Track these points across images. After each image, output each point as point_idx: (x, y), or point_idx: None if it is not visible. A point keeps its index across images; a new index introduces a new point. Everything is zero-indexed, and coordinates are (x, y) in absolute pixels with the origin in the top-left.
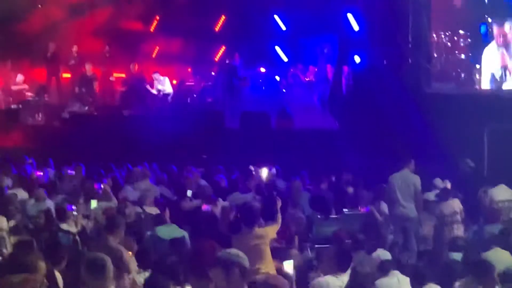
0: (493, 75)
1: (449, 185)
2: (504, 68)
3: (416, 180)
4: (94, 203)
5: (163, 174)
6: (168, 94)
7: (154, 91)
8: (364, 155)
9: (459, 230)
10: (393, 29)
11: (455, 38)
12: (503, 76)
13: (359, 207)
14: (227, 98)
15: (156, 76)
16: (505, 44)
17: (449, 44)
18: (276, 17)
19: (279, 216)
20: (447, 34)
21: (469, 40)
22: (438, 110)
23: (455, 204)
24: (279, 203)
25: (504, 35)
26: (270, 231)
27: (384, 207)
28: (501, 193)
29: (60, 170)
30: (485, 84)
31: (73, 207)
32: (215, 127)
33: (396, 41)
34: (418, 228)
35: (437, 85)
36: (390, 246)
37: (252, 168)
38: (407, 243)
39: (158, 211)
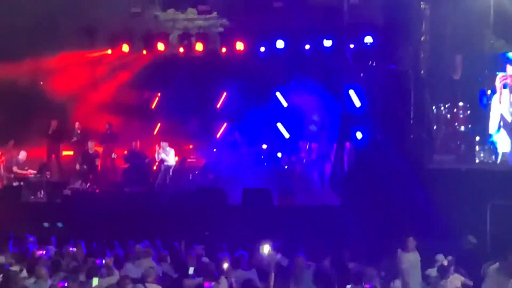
0: (502, 117)
1: (446, 262)
2: None
3: (417, 257)
4: (95, 281)
5: (165, 252)
6: (170, 166)
7: (156, 158)
8: (367, 231)
9: None
10: (395, 104)
11: (455, 110)
12: None
13: (363, 283)
14: (226, 174)
15: (163, 144)
16: None
17: (448, 116)
18: (278, 94)
19: (272, 278)
20: (447, 106)
21: (468, 112)
22: (441, 185)
23: (457, 281)
24: (272, 276)
25: None
26: None
27: (388, 283)
28: None
29: (61, 247)
30: (493, 129)
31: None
32: (217, 203)
33: (398, 117)
34: None
35: (437, 158)
36: None
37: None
38: None
39: None
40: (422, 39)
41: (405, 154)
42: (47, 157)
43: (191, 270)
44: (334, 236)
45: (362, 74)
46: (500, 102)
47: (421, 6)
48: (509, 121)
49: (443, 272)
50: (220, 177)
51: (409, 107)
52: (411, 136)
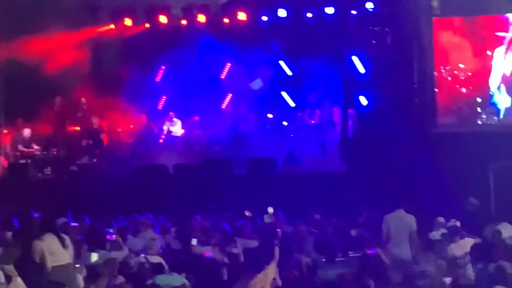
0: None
1: (458, 224)
2: None
3: (412, 220)
4: (94, 256)
5: (168, 224)
6: (176, 137)
7: (164, 130)
8: (371, 197)
9: (470, 270)
10: (398, 69)
11: (455, 72)
12: None
13: (365, 249)
14: (232, 145)
15: (171, 114)
16: None
17: (449, 78)
18: (281, 62)
19: (277, 250)
20: (447, 68)
21: (469, 73)
22: (444, 149)
23: (467, 244)
24: (277, 249)
25: None
26: (270, 271)
27: (387, 249)
28: (507, 230)
29: (65, 222)
30: (494, 85)
31: None
32: (223, 174)
33: (402, 82)
34: (413, 268)
35: (440, 121)
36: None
37: (247, 213)
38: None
39: (162, 261)
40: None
41: (409, 119)
42: (53, 134)
43: (194, 241)
44: (338, 203)
45: (364, 40)
46: (504, 59)
47: None
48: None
49: (453, 235)
50: (226, 148)
51: (412, 72)
52: (415, 100)
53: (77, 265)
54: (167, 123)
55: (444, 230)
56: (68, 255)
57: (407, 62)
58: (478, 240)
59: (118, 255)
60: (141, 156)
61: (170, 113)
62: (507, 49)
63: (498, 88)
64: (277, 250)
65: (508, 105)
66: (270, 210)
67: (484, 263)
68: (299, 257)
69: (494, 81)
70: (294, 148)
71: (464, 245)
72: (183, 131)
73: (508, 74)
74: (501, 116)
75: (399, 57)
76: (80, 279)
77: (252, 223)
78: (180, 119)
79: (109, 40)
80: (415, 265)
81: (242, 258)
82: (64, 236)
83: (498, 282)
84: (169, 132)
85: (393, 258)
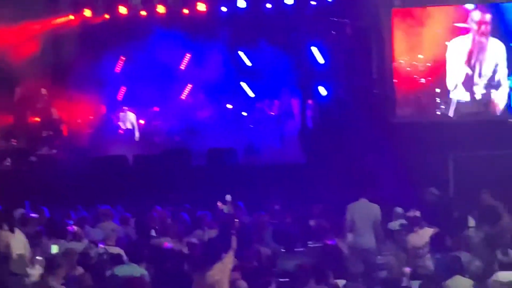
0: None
1: (418, 214)
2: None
3: (376, 209)
4: (54, 248)
5: (127, 214)
6: (132, 131)
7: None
8: (330, 188)
9: (429, 260)
10: (358, 60)
11: (414, 63)
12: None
13: (325, 240)
14: (192, 135)
15: (124, 108)
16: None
17: (408, 69)
18: (241, 53)
19: (234, 240)
20: (406, 59)
21: (428, 64)
22: (404, 139)
23: (426, 234)
24: (234, 239)
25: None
26: (227, 261)
27: (350, 238)
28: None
29: (24, 213)
30: (451, 82)
31: None
32: (183, 165)
33: (361, 72)
34: (375, 258)
35: (399, 111)
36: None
37: (219, 204)
38: (368, 273)
39: (121, 251)
40: None
41: (368, 109)
42: (13, 124)
43: (153, 232)
44: (298, 193)
45: (323, 31)
46: (462, 50)
47: None
48: (467, 73)
49: (412, 225)
50: (186, 139)
51: (371, 62)
52: (374, 91)
53: (38, 257)
54: (121, 116)
55: (403, 221)
56: (20, 245)
57: (366, 52)
58: (437, 230)
59: (77, 246)
60: (100, 147)
61: (124, 107)
62: (465, 41)
63: (456, 81)
64: (234, 239)
65: (467, 98)
66: (228, 197)
67: (442, 253)
68: (258, 247)
69: (451, 73)
70: (253, 139)
71: (423, 235)
72: (141, 124)
73: (464, 69)
74: (459, 106)
75: (358, 47)
76: (38, 270)
77: (212, 213)
78: (139, 110)
79: (68, 31)
80: (378, 255)
81: (201, 249)
82: (14, 226)
83: (456, 272)
84: (125, 125)
85: (356, 248)
